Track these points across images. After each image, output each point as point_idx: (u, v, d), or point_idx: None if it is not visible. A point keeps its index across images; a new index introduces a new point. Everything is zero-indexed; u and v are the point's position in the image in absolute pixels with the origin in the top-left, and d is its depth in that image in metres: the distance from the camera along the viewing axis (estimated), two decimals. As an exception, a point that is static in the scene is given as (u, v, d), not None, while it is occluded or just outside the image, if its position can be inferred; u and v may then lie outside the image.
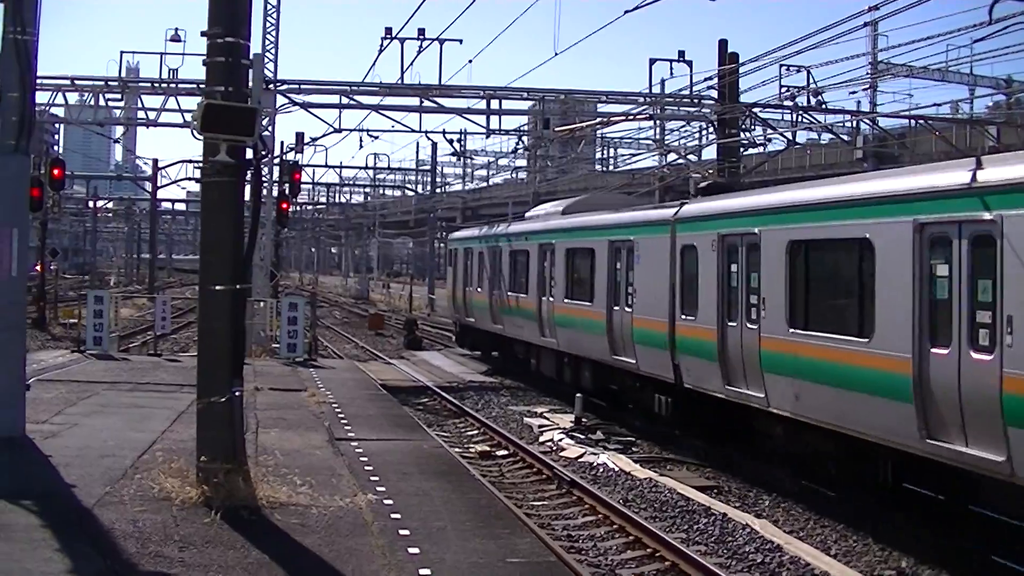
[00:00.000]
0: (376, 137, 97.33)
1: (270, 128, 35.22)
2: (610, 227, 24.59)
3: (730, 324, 18.38)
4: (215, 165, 12.14)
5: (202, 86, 13.93)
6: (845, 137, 42.21)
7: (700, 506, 16.12)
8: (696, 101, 37.69)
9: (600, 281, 24.53)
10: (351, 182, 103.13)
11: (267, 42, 37.32)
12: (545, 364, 29.48)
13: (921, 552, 13.74)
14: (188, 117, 31.83)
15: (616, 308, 23.72)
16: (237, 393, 12.18)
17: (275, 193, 36.07)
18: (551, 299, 27.80)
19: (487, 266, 34.66)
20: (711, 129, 38.49)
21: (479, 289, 35.76)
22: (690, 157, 42.48)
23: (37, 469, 13.71)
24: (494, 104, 37.00)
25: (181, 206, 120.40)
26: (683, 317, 20.41)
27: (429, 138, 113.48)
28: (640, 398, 23.23)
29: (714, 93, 36.26)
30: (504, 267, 32.76)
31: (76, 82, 36.59)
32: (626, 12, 24.13)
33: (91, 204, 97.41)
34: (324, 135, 47.75)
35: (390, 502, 13.04)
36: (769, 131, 37.14)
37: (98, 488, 12.61)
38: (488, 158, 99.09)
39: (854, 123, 42.32)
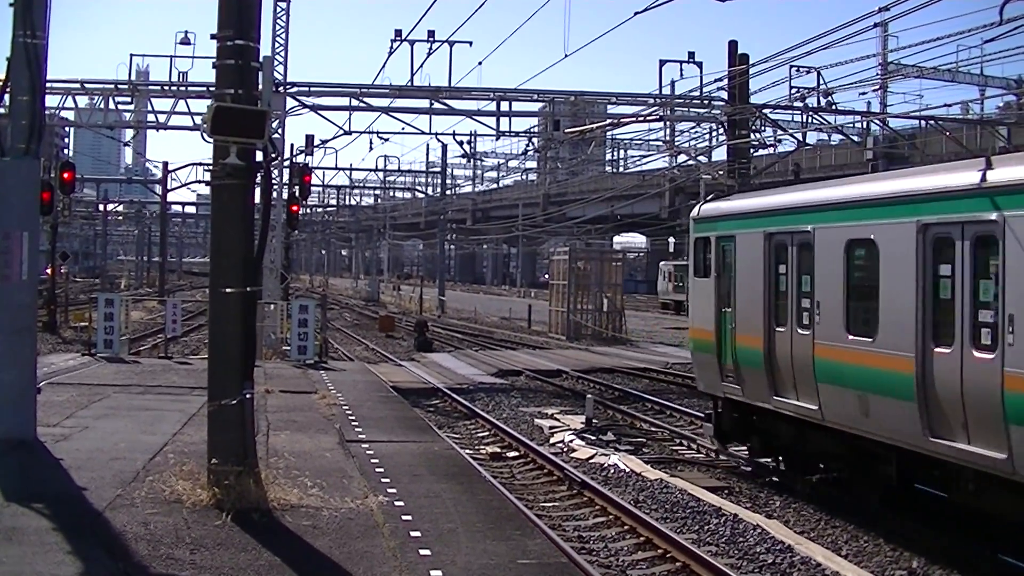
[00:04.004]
0: (386, 139, 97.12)
1: (280, 130, 35.33)
2: None
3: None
4: (225, 168, 12.14)
5: (212, 89, 13.94)
6: (855, 138, 42.22)
7: (711, 507, 16.10)
8: (706, 102, 37.68)
9: None
10: (361, 184, 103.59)
11: (277, 44, 37.46)
12: None
13: (931, 552, 13.70)
14: (198, 120, 31.98)
15: None
16: (248, 396, 12.19)
17: (285, 196, 36.09)
18: None
19: (894, 279, 13.80)
20: (721, 130, 38.46)
21: (856, 336, 14.76)
22: (700, 158, 42.49)
23: (48, 472, 13.74)
24: (504, 106, 37.02)
25: (191, 209, 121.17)
26: None
27: (439, 140, 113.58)
28: None
29: (724, 94, 36.26)
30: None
31: (86, 85, 36.64)
32: (636, 13, 24.21)
33: (101, 207, 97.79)
34: (334, 137, 47.64)
35: (401, 504, 13.03)
36: (779, 132, 37.13)
37: (109, 491, 12.63)
38: (498, 160, 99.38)
39: (864, 124, 42.34)
